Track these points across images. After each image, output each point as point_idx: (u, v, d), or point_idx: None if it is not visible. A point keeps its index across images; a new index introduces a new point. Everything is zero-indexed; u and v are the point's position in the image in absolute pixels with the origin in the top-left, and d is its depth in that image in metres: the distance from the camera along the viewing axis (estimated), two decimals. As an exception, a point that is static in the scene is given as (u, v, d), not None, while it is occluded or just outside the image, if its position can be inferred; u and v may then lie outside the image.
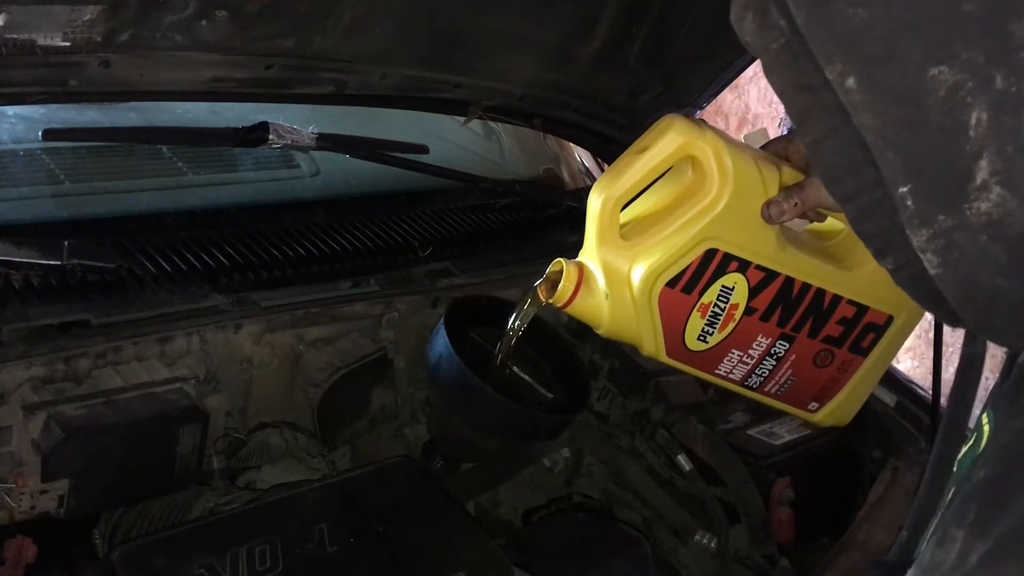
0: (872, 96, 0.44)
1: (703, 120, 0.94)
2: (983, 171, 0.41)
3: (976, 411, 0.58)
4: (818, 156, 0.49)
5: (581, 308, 0.96)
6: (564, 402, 1.49)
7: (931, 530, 0.50)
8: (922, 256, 0.46)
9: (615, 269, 0.93)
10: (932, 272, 0.46)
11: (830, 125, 0.47)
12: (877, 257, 0.50)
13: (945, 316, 0.50)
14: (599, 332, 0.97)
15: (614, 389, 1.74)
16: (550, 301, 0.98)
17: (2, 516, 1.18)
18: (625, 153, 0.92)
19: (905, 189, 0.45)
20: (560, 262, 0.96)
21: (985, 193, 0.42)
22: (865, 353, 1.00)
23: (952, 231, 0.44)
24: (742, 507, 1.53)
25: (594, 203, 0.92)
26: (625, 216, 0.94)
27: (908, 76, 0.42)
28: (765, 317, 0.95)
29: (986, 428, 0.51)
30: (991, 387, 0.56)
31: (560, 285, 0.95)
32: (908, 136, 0.44)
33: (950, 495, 0.52)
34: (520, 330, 1.20)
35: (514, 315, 1.19)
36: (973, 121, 0.41)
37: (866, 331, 0.98)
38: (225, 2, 1.14)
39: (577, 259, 0.96)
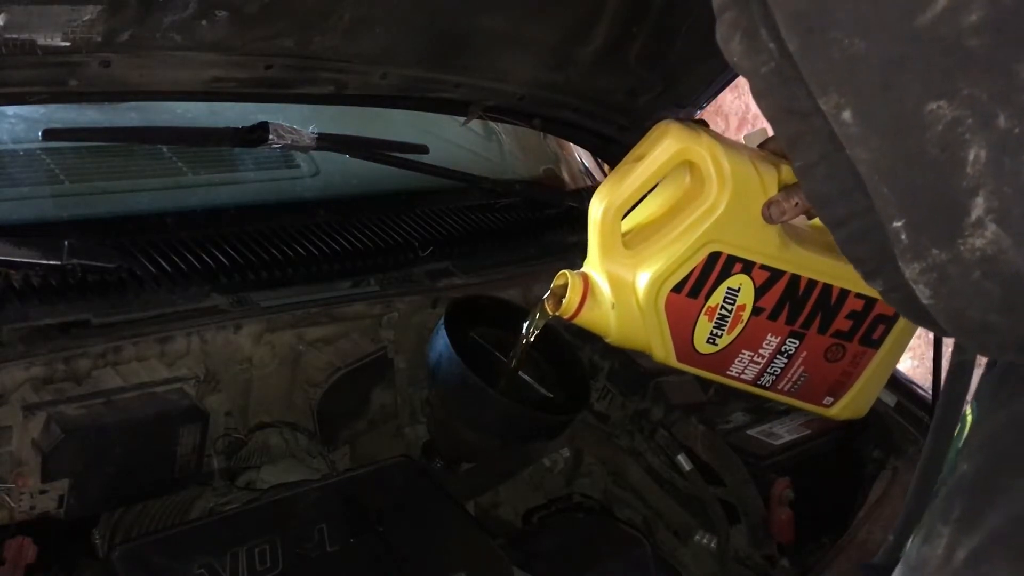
0: (868, 130, 0.44)
1: (701, 122, 0.94)
2: (979, 208, 0.41)
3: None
4: (809, 181, 0.49)
5: (588, 318, 0.96)
6: (564, 402, 1.49)
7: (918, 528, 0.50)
8: (914, 287, 0.46)
9: (620, 278, 0.93)
10: (924, 302, 0.46)
11: (822, 151, 0.47)
12: (866, 279, 0.50)
13: (938, 332, 0.50)
14: (608, 341, 0.97)
15: (614, 389, 1.74)
16: (557, 313, 0.98)
17: (2, 516, 1.18)
18: (623, 161, 0.92)
19: (899, 223, 0.44)
20: (565, 274, 0.97)
21: (980, 230, 0.41)
22: (877, 345, 1.00)
23: (945, 265, 0.43)
24: (742, 507, 1.53)
25: (594, 213, 0.92)
26: (627, 224, 0.95)
27: (905, 109, 0.42)
28: (773, 316, 0.95)
29: (969, 419, 0.51)
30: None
31: (566, 297, 0.95)
32: (903, 170, 0.43)
33: (935, 487, 0.52)
34: (529, 341, 1.21)
35: (525, 326, 1.20)
36: (971, 158, 0.40)
37: (876, 323, 0.98)
38: (225, 2, 1.14)
39: (581, 270, 0.96)
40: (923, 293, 0.45)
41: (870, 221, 0.46)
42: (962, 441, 0.50)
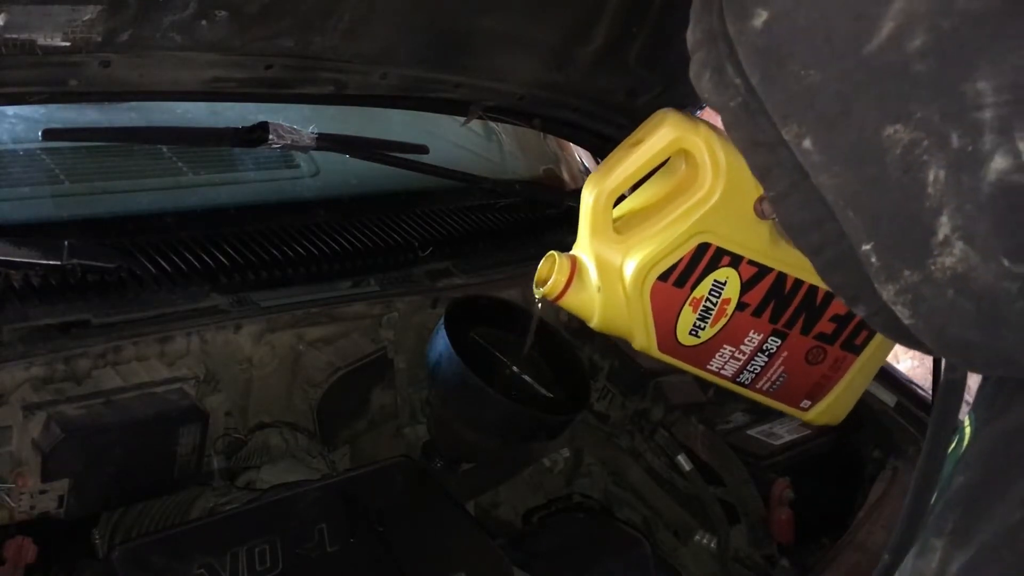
0: (829, 157, 0.45)
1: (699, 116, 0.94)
2: (944, 227, 0.41)
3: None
4: (782, 211, 0.50)
5: (573, 301, 0.96)
6: (564, 402, 1.49)
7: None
8: (893, 308, 0.46)
9: (607, 262, 0.93)
10: (906, 323, 0.46)
11: (792, 180, 0.48)
12: (848, 305, 0.51)
13: (925, 351, 0.50)
14: (591, 325, 0.97)
15: (614, 389, 1.74)
16: (543, 294, 0.98)
17: (2, 516, 1.18)
18: (619, 147, 0.92)
19: (868, 247, 0.45)
20: (553, 255, 0.96)
21: (948, 248, 0.42)
22: (858, 351, 1.00)
23: (919, 285, 0.44)
24: (742, 507, 1.53)
25: (587, 197, 0.92)
26: (619, 210, 0.94)
27: (864, 136, 0.43)
28: (757, 313, 0.95)
29: (967, 430, 0.51)
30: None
31: (552, 278, 0.95)
32: (868, 195, 0.44)
33: (932, 500, 0.52)
34: (539, 318, 1.22)
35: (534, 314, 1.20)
36: (931, 179, 0.41)
37: (859, 328, 0.98)
38: (225, 2, 1.14)
39: (570, 252, 0.96)
40: (903, 314, 0.46)
41: (845, 247, 0.47)
42: (961, 452, 0.50)
